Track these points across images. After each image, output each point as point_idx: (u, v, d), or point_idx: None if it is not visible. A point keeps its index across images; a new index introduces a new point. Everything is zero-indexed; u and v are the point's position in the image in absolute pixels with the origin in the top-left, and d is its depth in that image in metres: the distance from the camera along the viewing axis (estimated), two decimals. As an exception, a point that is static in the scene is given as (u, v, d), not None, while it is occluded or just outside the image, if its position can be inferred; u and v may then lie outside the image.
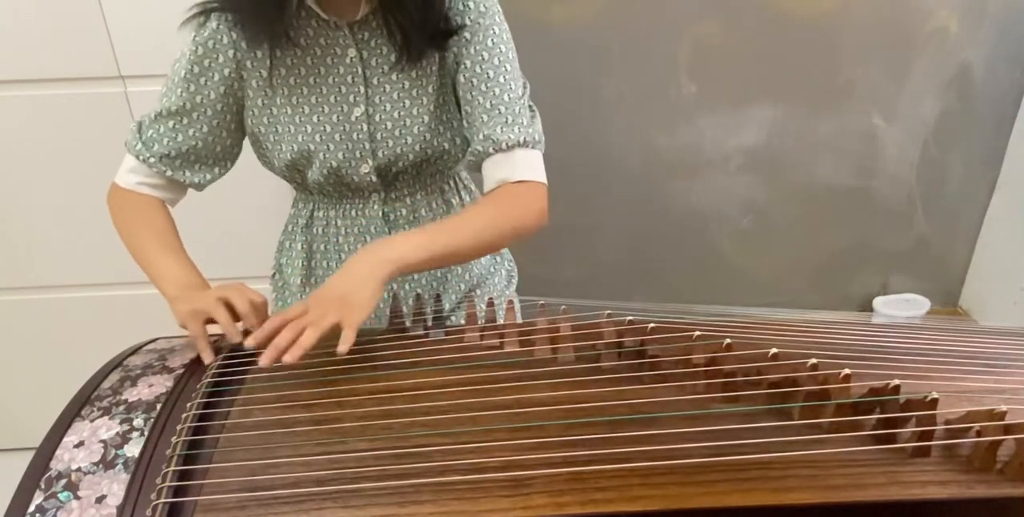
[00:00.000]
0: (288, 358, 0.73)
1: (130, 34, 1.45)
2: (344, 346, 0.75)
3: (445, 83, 0.99)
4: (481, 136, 0.94)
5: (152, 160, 0.97)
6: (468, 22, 0.95)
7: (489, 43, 0.95)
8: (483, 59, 0.95)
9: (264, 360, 0.73)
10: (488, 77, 0.95)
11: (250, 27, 0.91)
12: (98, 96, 1.50)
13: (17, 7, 1.42)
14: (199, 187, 1.02)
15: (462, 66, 0.96)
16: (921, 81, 1.87)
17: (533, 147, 0.95)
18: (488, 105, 0.95)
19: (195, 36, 0.93)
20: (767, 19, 1.78)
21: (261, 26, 0.90)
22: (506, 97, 0.95)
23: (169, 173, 0.98)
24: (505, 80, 0.95)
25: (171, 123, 0.96)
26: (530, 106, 0.99)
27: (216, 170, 1.02)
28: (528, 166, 0.94)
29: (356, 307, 0.78)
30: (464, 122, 0.99)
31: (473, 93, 0.95)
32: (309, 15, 0.93)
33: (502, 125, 0.94)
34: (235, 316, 0.84)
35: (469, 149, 0.97)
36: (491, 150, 0.94)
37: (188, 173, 0.99)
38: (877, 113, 1.91)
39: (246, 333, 0.82)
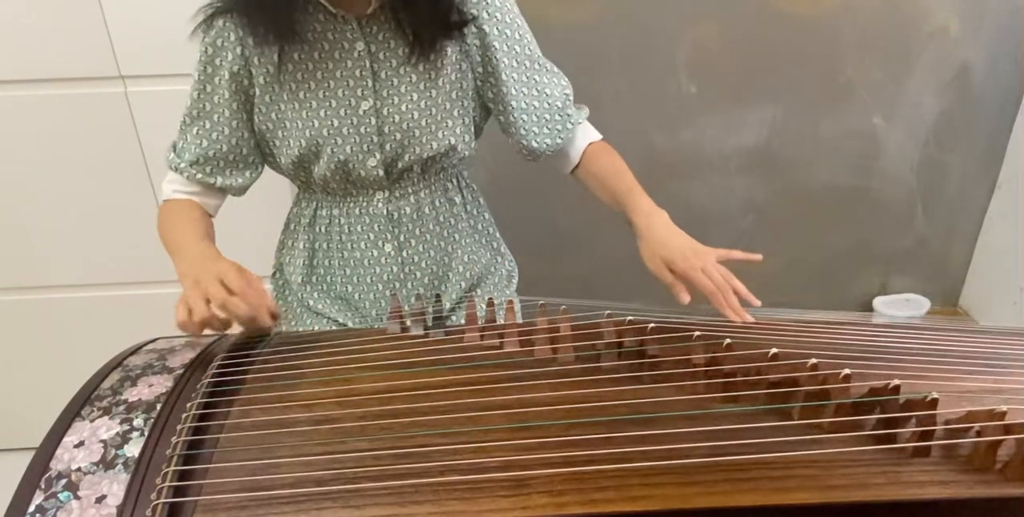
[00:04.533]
0: (757, 303, 0.89)
1: (130, 34, 1.45)
2: (757, 256, 0.92)
3: (461, 78, 1.00)
4: (558, 117, 1.05)
5: (183, 166, 0.99)
6: (487, 15, 0.97)
7: (517, 36, 1.01)
8: (516, 52, 1.01)
9: (745, 316, 0.87)
10: (526, 67, 1.03)
11: (258, 25, 0.91)
12: (98, 96, 1.50)
13: (17, 7, 1.42)
14: (236, 191, 1.04)
15: (501, 64, 1.01)
16: (921, 81, 1.87)
17: (584, 112, 1.10)
18: (547, 92, 1.04)
19: (204, 37, 0.95)
20: (767, 19, 1.78)
21: (269, 23, 0.90)
22: (553, 82, 1.05)
23: (200, 177, 1.00)
24: (540, 66, 1.04)
25: (195, 129, 0.99)
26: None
27: (248, 173, 1.04)
28: (592, 129, 1.12)
29: (710, 248, 0.94)
30: (514, 117, 1.04)
31: (517, 87, 1.02)
32: (316, 9, 0.94)
33: (569, 105, 1.06)
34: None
35: (540, 139, 1.05)
36: (569, 125, 1.06)
37: (220, 178, 1.01)
38: (877, 113, 1.91)
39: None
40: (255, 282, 0.83)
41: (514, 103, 1.03)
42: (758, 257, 0.91)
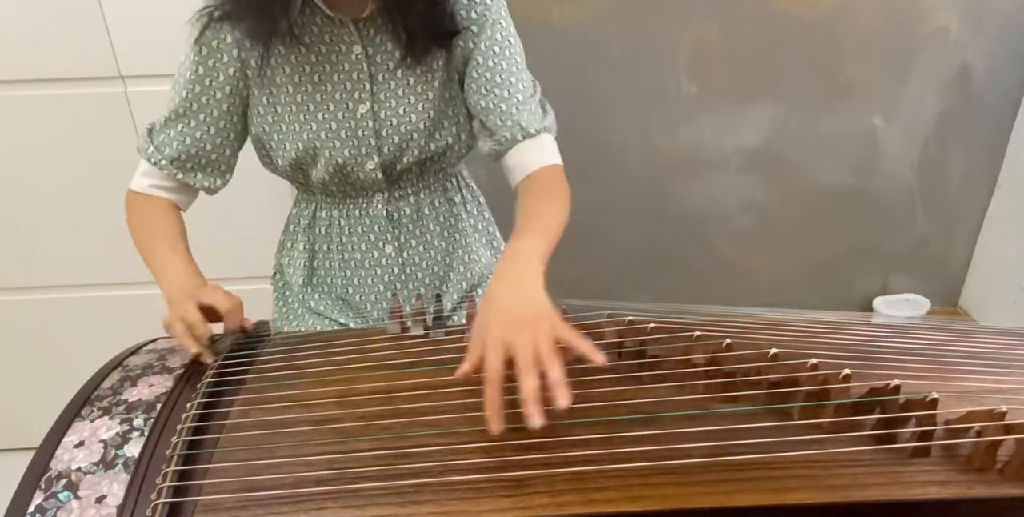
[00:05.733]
0: (563, 402, 0.61)
1: (130, 34, 1.45)
2: (599, 357, 0.65)
3: (451, 78, 1.00)
4: (509, 123, 0.96)
5: (163, 162, 0.98)
6: (475, 16, 0.96)
7: (498, 37, 0.97)
8: (494, 53, 0.97)
9: (534, 420, 0.61)
10: (502, 68, 0.97)
11: (255, 27, 0.91)
12: (98, 96, 1.50)
13: (17, 7, 1.42)
14: (210, 191, 1.03)
15: (474, 62, 0.97)
16: (921, 81, 1.87)
17: (551, 133, 0.99)
18: (506, 94, 0.97)
19: (199, 37, 0.94)
20: (767, 19, 1.78)
21: (266, 26, 0.90)
22: (520, 86, 0.98)
23: (179, 176, 0.99)
24: (518, 70, 0.99)
25: (180, 126, 0.97)
26: (540, 101, 1.02)
27: (228, 175, 1.03)
28: (553, 151, 0.98)
29: (557, 322, 0.68)
30: (480, 118, 1.00)
31: (488, 87, 0.97)
32: (314, 12, 0.94)
33: (527, 113, 0.97)
34: (212, 316, 0.84)
35: (493, 138, 0.98)
36: (520, 136, 0.96)
37: (199, 176, 1.00)
38: (877, 113, 1.91)
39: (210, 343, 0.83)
40: (222, 305, 0.84)
41: (472, 100, 0.99)
42: (600, 360, 0.66)
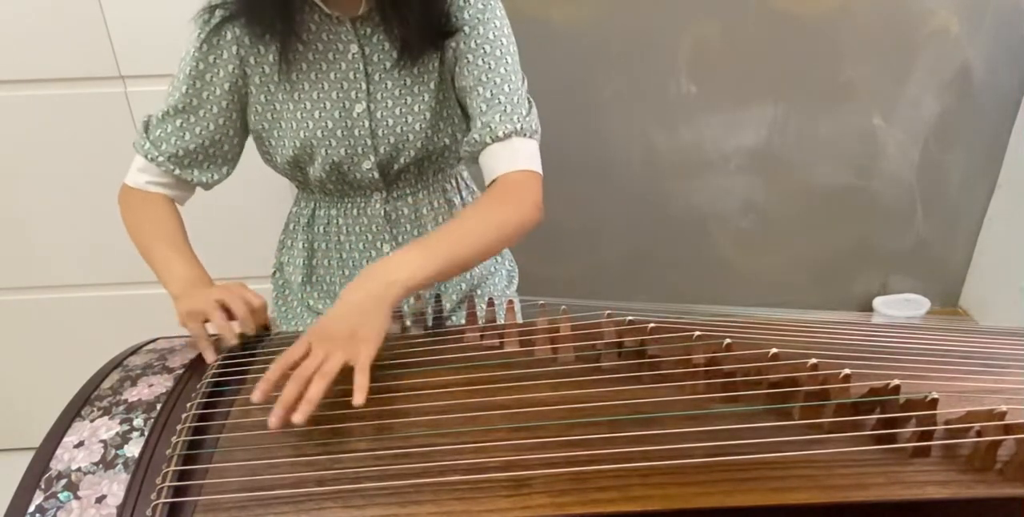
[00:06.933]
0: (297, 418, 0.64)
1: (130, 34, 1.45)
2: (360, 395, 0.67)
3: (445, 79, 0.99)
4: (479, 124, 0.94)
5: (160, 159, 0.98)
6: (468, 17, 0.95)
7: (490, 36, 0.96)
8: (484, 52, 0.95)
9: (272, 419, 0.65)
10: (489, 68, 0.95)
11: (255, 24, 0.91)
12: (98, 96, 1.50)
13: (17, 7, 1.42)
14: (207, 186, 1.03)
15: (463, 59, 0.96)
16: (921, 81, 1.87)
17: (530, 137, 0.95)
18: (488, 95, 0.95)
19: (199, 33, 0.94)
20: (767, 19, 1.78)
21: (266, 22, 0.90)
22: (506, 88, 0.95)
23: (177, 172, 0.99)
24: (506, 71, 0.96)
25: (178, 122, 0.97)
26: (528, 99, 1.00)
27: (224, 169, 1.03)
28: (525, 155, 0.94)
29: (364, 342, 0.71)
30: (465, 114, 0.99)
31: (472, 84, 0.96)
32: (312, 10, 0.94)
33: (500, 114, 0.94)
34: (232, 317, 0.84)
35: (466, 138, 0.96)
36: (488, 139, 0.94)
37: (196, 172, 1.00)
38: (877, 113, 1.91)
39: (241, 335, 0.83)
40: (254, 301, 0.86)
41: (459, 98, 0.99)
42: (359, 401, 0.67)
